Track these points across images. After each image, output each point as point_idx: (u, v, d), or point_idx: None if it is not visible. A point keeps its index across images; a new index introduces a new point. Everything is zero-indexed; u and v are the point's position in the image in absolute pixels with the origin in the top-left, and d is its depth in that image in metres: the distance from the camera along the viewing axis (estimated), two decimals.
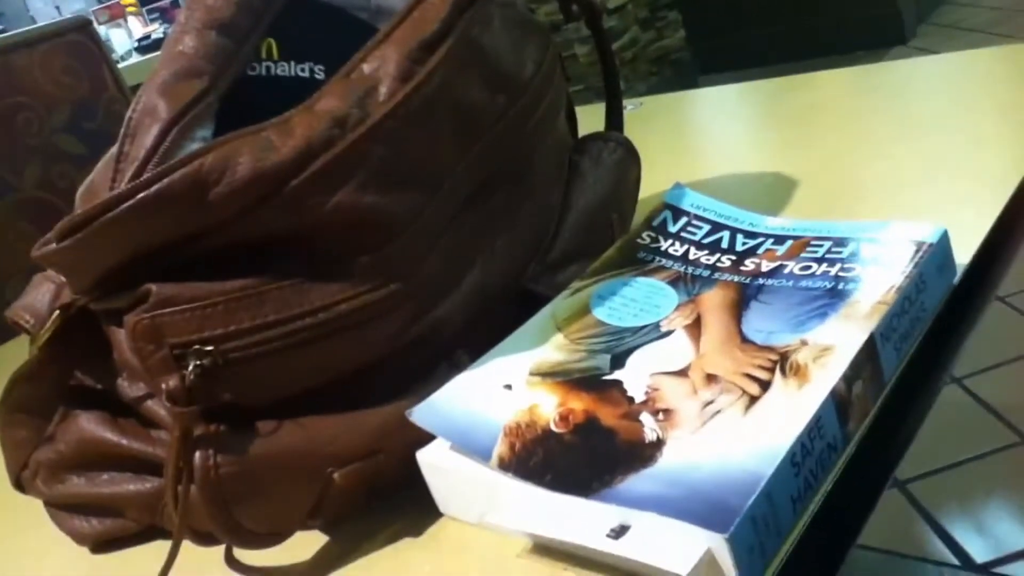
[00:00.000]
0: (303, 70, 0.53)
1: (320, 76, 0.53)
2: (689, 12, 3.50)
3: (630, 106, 0.98)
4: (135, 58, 4.02)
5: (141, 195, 0.38)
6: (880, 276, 0.41)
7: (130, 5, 4.97)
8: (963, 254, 0.46)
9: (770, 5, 3.67)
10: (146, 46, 4.35)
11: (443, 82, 0.45)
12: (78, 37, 1.71)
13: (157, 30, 4.53)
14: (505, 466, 0.36)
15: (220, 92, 0.47)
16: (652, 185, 0.63)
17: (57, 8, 9.10)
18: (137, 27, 4.80)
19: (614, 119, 0.64)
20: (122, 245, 0.40)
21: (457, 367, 0.44)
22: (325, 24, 0.55)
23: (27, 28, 1.70)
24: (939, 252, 0.43)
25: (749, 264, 0.45)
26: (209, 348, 0.38)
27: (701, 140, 0.88)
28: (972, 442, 1.49)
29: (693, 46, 3.54)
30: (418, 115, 0.44)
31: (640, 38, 3.29)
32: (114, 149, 0.44)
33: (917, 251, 0.42)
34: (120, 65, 2.22)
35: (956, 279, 0.45)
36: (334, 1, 0.56)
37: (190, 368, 0.38)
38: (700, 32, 3.61)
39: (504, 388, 0.41)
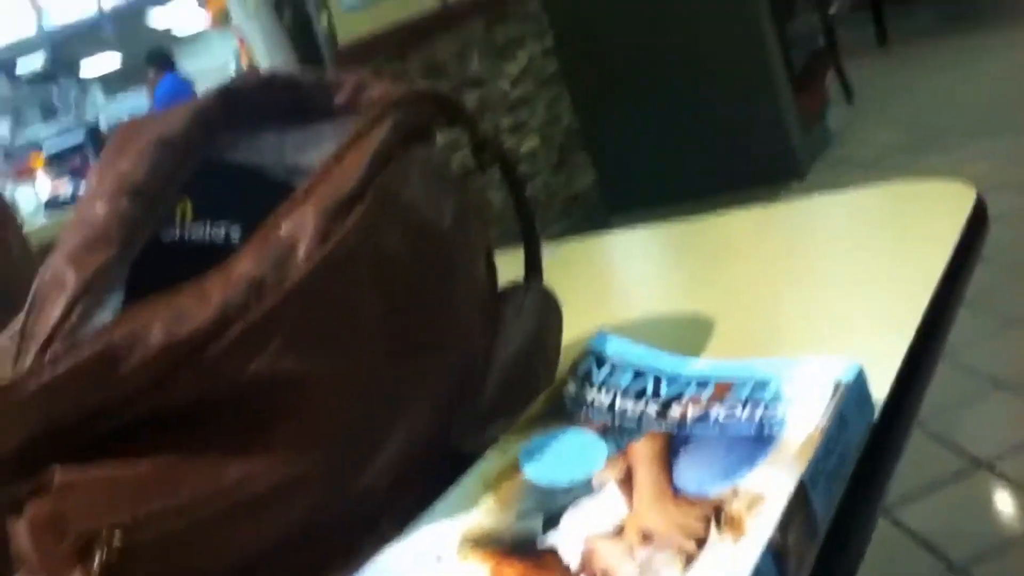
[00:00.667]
0: (218, 233, 0.52)
1: (236, 236, 0.53)
2: (597, 154, 3.65)
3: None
4: (42, 218, 3.96)
5: (48, 376, 0.36)
6: (802, 417, 0.41)
7: (38, 162, 4.93)
8: (880, 387, 0.47)
9: (672, 144, 3.85)
10: (55, 206, 4.29)
11: (362, 239, 0.45)
12: None
13: (67, 190, 4.48)
14: None
15: (131, 259, 0.46)
16: (574, 330, 0.63)
17: None
18: (46, 186, 4.75)
19: (533, 266, 0.64)
20: (26, 427, 0.38)
21: (383, 539, 0.41)
22: (241, 184, 0.55)
23: None
24: (856, 389, 0.44)
25: (676, 411, 0.45)
26: (117, 536, 0.35)
27: (619, 283, 0.90)
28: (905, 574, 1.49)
29: (601, 187, 3.68)
30: (337, 274, 0.43)
31: (551, 182, 3.41)
32: (17, 322, 0.42)
33: (836, 390, 0.43)
34: (25, 227, 2.17)
35: (875, 415, 0.46)
36: (249, 161, 0.56)
37: (96, 561, 0.35)
38: (607, 172, 3.75)
39: (435, 560, 0.39)
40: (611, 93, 3.92)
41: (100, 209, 0.47)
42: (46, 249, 0.46)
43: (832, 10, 4.79)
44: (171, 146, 0.51)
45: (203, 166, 0.54)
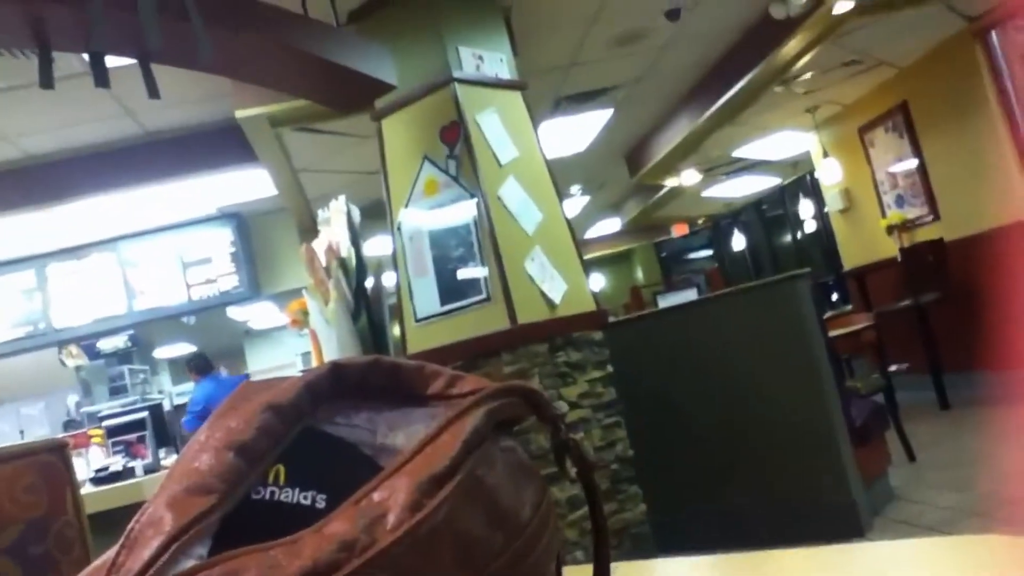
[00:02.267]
0: (305, 498, 0.54)
1: (321, 506, 0.54)
2: (649, 488, 3.62)
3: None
4: (88, 488, 3.99)
5: None
6: None
7: (96, 436, 5.06)
8: None
9: (730, 491, 3.82)
10: (102, 478, 4.33)
11: (449, 515, 0.47)
12: (50, 458, 1.72)
13: (117, 463, 4.55)
14: None
15: (225, 511, 0.48)
16: None
17: (21, 432, 9.18)
18: (98, 458, 4.84)
19: (601, 572, 0.64)
20: None
21: None
22: (332, 456, 0.58)
23: (6, 445, 1.72)
24: None
25: None
26: None
27: None
28: None
29: (653, 522, 3.60)
30: (423, 544, 0.44)
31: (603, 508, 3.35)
32: (107, 555, 0.44)
33: None
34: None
35: None
36: (343, 435, 0.59)
37: None
38: (659, 508, 3.69)
39: None
40: (668, 431, 3.98)
41: (205, 460, 0.50)
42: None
43: (891, 368, 4.91)
44: (280, 412, 0.55)
45: (303, 432, 0.57)
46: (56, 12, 2.41)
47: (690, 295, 7.99)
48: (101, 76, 2.59)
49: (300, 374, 0.64)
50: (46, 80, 2.52)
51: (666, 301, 7.04)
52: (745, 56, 5.53)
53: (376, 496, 0.47)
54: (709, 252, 14.06)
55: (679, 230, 12.49)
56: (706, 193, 9.65)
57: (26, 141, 4.79)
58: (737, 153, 7.96)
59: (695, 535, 3.76)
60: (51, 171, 5.07)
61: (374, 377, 0.62)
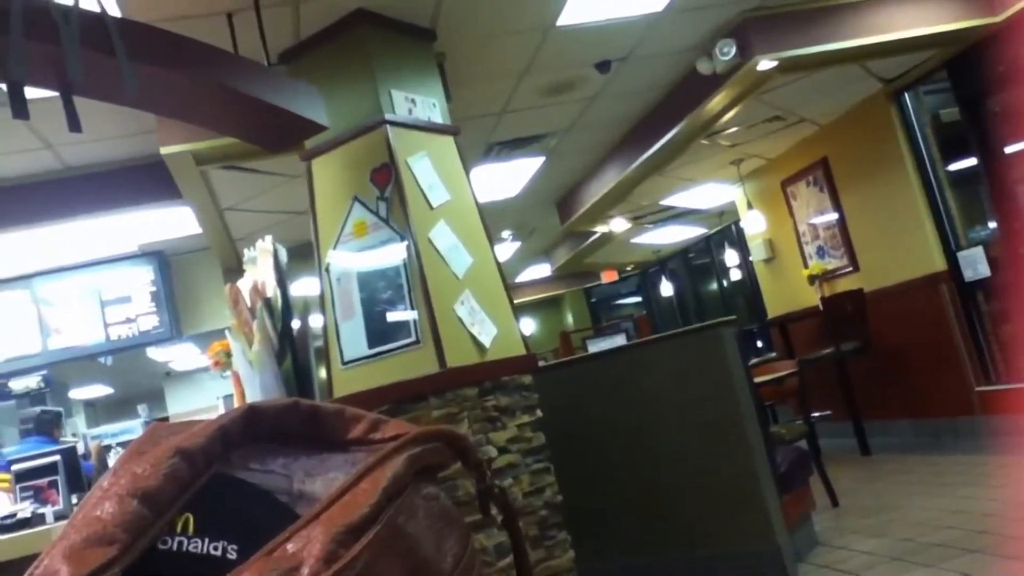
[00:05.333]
0: (216, 548, 0.51)
1: (232, 556, 0.52)
2: (577, 534, 3.59)
3: None
4: None
5: None
6: None
7: (3, 481, 4.82)
8: None
9: (653, 537, 3.82)
10: (8, 525, 4.12)
11: (366, 568, 0.45)
12: None
13: (25, 509, 4.34)
14: None
15: (127, 563, 0.45)
16: None
17: None
18: (4, 504, 4.60)
19: None
20: None
21: None
22: (245, 503, 0.55)
23: None
24: None
25: None
26: None
27: None
28: None
29: (580, 568, 3.57)
30: None
31: (530, 556, 3.31)
32: None
33: None
34: None
35: None
36: (257, 481, 0.57)
37: None
38: (588, 555, 3.67)
39: None
40: (597, 476, 3.98)
41: (108, 508, 0.47)
42: None
43: (814, 415, 5.01)
44: (190, 456, 0.52)
45: (212, 479, 0.55)
46: None
47: (619, 340, 8.05)
48: (19, 107, 2.51)
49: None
50: None
51: (596, 346, 7.08)
52: (673, 110, 5.67)
53: (290, 547, 0.45)
54: (638, 298, 14.26)
55: (608, 276, 12.63)
56: (635, 240, 9.80)
57: None
58: (665, 202, 8.11)
59: None
60: None
61: (292, 421, 0.60)
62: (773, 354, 7.36)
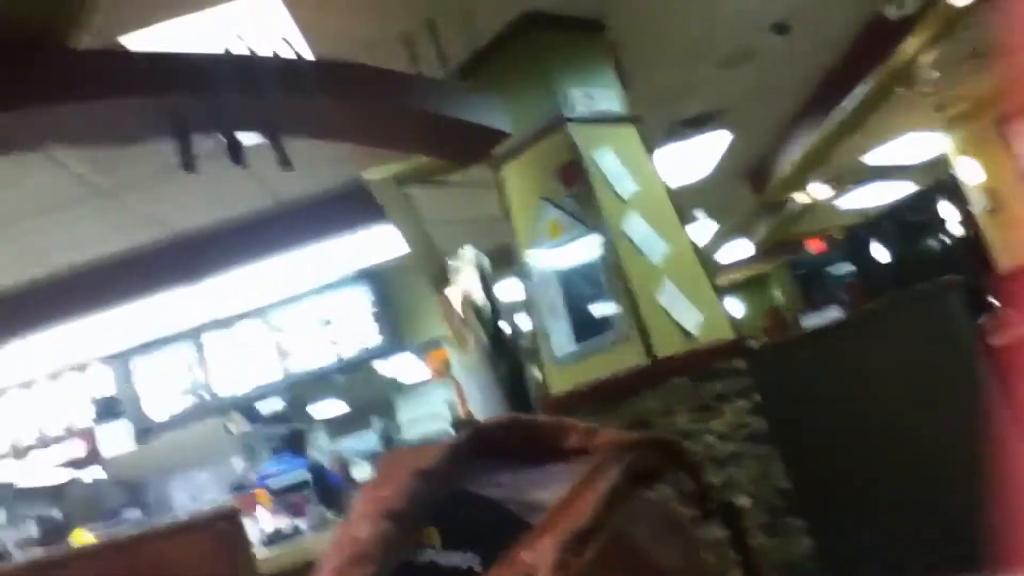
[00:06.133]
0: (461, 559, 0.56)
1: (476, 566, 0.56)
2: (814, 519, 3.45)
3: None
4: (260, 550, 4.16)
5: None
6: None
7: (263, 498, 5.28)
8: None
9: (905, 520, 3.62)
10: (271, 539, 4.51)
11: (594, 572, 0.48)
12: (225, 526, 1.81)
13: (287, 525, 4.73)
14: None
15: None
16: None
17: (195, 498, 9.67)
18: (267, 520, 5.04)
19: None
20: None
21: None
22: (481, 515, 0.60)
23: (177, 517, 1.82)
24: None
25: None
26: None
27: None
28: None
29: (821, 556, 3.44)
30: None
31: (764, 544, 3.25)
32: None
33: None
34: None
35: None
36: (490, 494, 0.61)
37: None
38: (827, 540, 3.52)
39: None
40: (827, 458, 3.81)
41: (363, 529, 0.53)
42: None
43: None
44: (427, 477, 0.57)
45: (450, 496, 0.60)
46: (191, 102, 2.59)
47: (833, 312, 7.71)
48: (236, 154, 2.76)
49: (449, 425, 0.66)
50: (187, 163, 2.71)
51: (809, 320, 6.82)
52: (861, 62, 5.35)
53: (525, 555, 0.48)
54: (849, 266, 13.52)
55: (814, 246, 12.08)
56: (839, 204, 9.33)
57: (174, 221, 5.12)
58: (867, 160, 7.67)
59: (871, 566, 3.57)
60: (198, 247, 5.40)
61: (513, 436, 0.64)
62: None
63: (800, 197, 8.24)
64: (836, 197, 8.78)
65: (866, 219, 11.35)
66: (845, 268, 13.71)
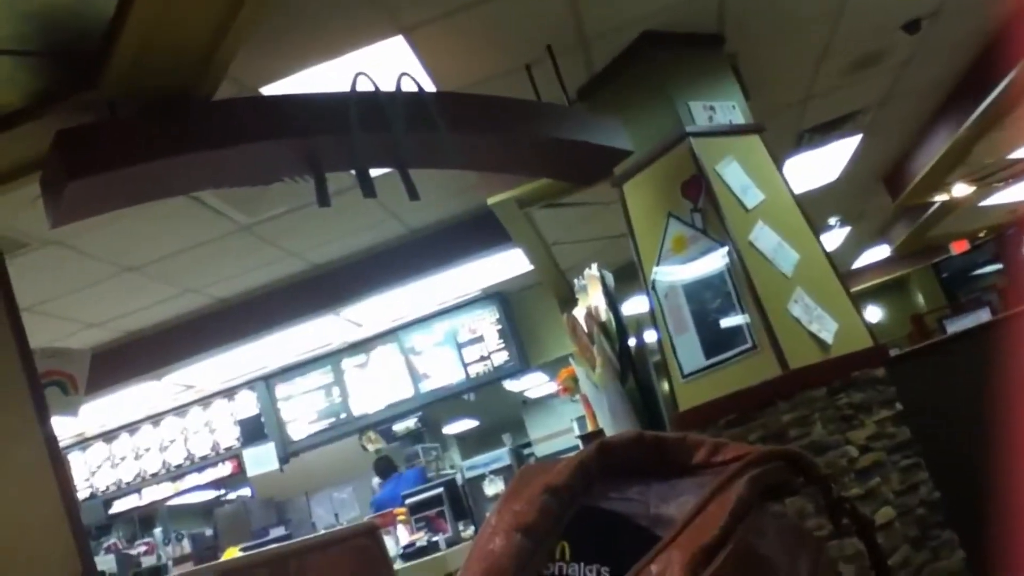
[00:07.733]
0: (591, 571, 0.58)
1: None
2: (967, 533, 3.29)
3: None
4: (399, 564, 4.27)
5: None
6: None
7: (401, 515, 5.43)
8: None
9: None
10: (409, 553, 4.63)
11: None
12: (365, 542, 1.90)
13: (422, 539, 4.85)
14: None
15: None
16: None
17: (336, 514, 10.01)
18: (404, 535, 5.18)
19: None
20: None
21: None
22: (610, 529, 0.62)
23: (320, 533, 1.91)
24: None
25: None
26: None
27: None
28: None
29: (976, 570, 3.28)
30: None
31: (912, 557, 3.11)
32: None
33: None
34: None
35: None
36: (618, 508, 0.64)
37: None
38: (983, 555, 3.35)
39: None
40: (980, 468, 3.62)
41: (498, 543, 0.56)
42: None
43: None
44: (557, 492, 0.60)
45: (580, 511, 0.62)
46: (325, 141, 2.72)
47: (982, 316, 7.31)
48: (368, 188, 2.87)
49: (577, 440, 0.69)
50: (323, 199, 2.84)
51: (954, 326, 6.49)
52: (1001, 56, 5.08)
53: (654, 568, 0.50)
54: (997, 266, 12.77)
55: (958, 247, 11.47)
56: (983, 203, 8.84)
57: (311, 254, 5.36)
58: (1013, 156, 7.26)
59: None
60: (334, 277, 5.65)
61: (639, 451, 0.66)
62: None
63: (940, 197, 7.86)
64: (981, 196, 8.33)
65: (1015, 216, 10.71)
66: (992, 268, 12.95)
